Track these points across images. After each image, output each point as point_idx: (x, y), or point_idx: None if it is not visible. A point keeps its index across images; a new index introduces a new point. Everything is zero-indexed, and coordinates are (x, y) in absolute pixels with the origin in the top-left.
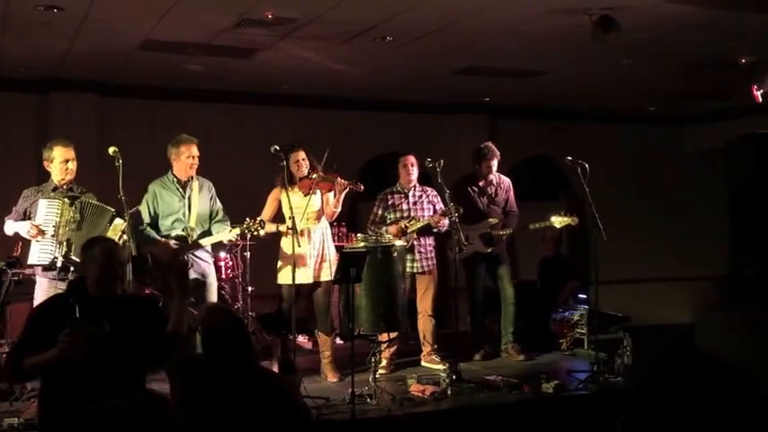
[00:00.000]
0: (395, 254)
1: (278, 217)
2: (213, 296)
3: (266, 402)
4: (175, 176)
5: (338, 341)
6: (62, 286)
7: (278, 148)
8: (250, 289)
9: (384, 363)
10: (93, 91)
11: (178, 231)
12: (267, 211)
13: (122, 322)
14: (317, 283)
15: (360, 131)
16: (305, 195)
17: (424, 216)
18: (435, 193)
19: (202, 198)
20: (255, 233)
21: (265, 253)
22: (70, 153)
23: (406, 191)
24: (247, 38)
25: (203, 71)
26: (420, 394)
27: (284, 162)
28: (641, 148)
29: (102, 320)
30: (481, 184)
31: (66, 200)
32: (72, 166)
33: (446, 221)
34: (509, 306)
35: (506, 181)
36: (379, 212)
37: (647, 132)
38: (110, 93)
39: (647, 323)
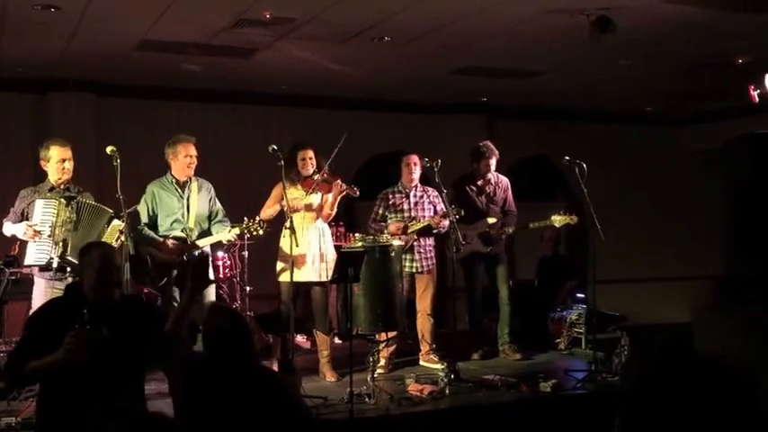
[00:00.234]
0: (392, 253)
1: (279, 213)
2: (211, 296)
3: (267, 402)
4: (174, 177)
5: (336, 341)
6: (59, 286)
7: (276, 147)
8: (248, 289)
9: (382, 362)
10: (90, 91)
11: (177, 232)
12: (269, 203)
13: (120, 326)
14: (314, 283)
15: (358, 131)
16: (306, 194)
17: (424, 216)
18: (436, 193)
19: (201, 199)
20: (254, 233)
21: (263, 253)
22: (67, 153)
23: (407, 190)
24: (245, 38)
25: (201, 71)
26: (418, 394)
27: (282, 162)
28: (639, 149)
29: (100, 324)
30: (479, 183)
31: (62, 200)
32: (69, 165)
33: (446, 222)
34: (504, 307)
35: (504, 180)
36: (380, 211)
37: (644, 132)
38: (108, 92)
39: (644, 323)
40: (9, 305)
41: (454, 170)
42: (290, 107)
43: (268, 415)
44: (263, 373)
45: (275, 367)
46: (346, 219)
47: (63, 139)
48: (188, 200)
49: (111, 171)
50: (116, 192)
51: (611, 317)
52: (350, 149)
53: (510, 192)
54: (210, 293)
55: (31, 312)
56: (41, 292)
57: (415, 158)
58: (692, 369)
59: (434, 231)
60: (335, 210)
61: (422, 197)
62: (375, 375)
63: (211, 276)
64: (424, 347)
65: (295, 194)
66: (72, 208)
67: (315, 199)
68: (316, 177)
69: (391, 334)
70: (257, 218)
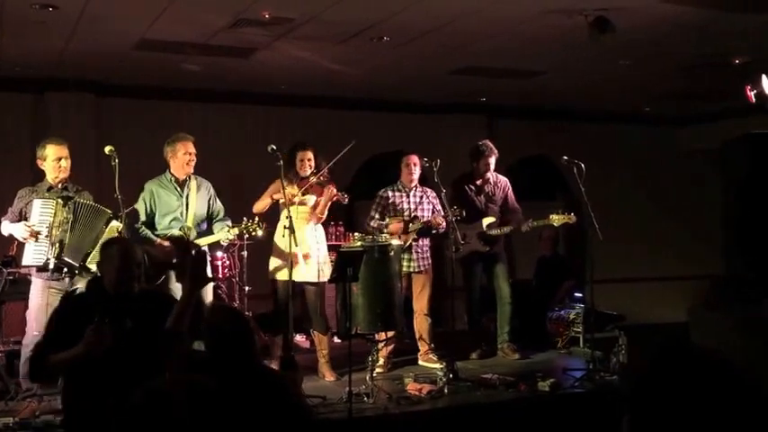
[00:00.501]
0: (391, 253)
1: (271, 208)
2: (209, 295)
3: (268, 401)
4: (173, 175)
5: (336, 340)
6: (56, 286)
7: (275, 147)
8: (247, 288)
9: (381, 362)
10: (89, 90)
11: (175, 231)
12: (264, 196)
13: (140, 319)
14: (308, 283)
15: (358, 131)
16: (302, 194)
17: (424, 216)
18: (434, 194)
19: (200, 198)
20: (253, 233)
21: (262, 252)
22: (63, 151)
23: (407, 190)
24: (245, 37)
25: (201, 71)
26: (417, 393)
27: (281, 162)
28: (638, 148)
29: (123, 317)
30: (479, 182)
31: (59, 200)
32: (65, 164)
33: (444, 223)
34: (505, 305)
35: (503, 180)
36: (380, 210)
37: (643, 132)
38: (106, 92)
39: (642, 322)
40: (7, 305)
41: (453, 170)
42: (289, 107)
43: (269, 414)
44: (264, 372)
45: (275, 366)
46: (346, 218)
47: (59, 137)
48: (187, 198)
49: (110, 171)
50: (115, 191)
51: (610, 316)
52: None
53: (510, 190)
54: (208, 293)
55: (28, 310)
56: (38, 292)
57: (415, 159)
58: (696, 367)
59: (434, 232)
60: (326, 214)
61: (421, 197)
62: (374, 375)
63: (210, 275)
64: (423, 347)
65: (291, 193)
66: (69, 208)
67: (309, 199)
68: (312, 179)
69: (390, 333)
70: (256, 218)
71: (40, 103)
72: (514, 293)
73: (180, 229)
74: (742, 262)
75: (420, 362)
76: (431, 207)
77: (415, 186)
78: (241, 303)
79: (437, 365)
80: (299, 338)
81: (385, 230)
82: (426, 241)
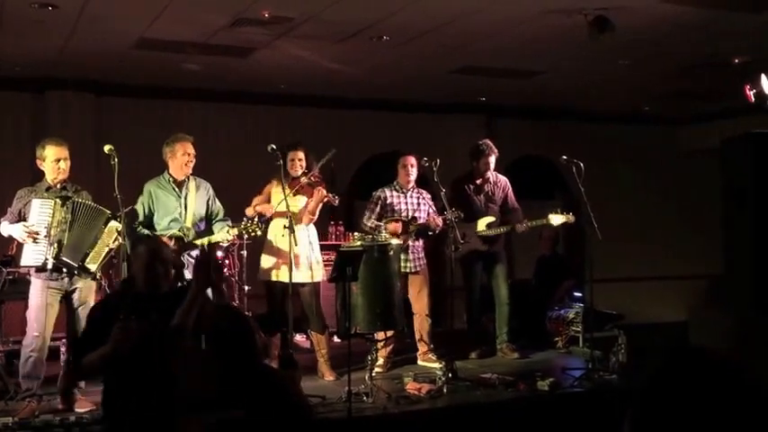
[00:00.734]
0: (391, 252)
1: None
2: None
3: (268, 401)
4: (171, 176)
5: (335, 339)
6: (55, 286)
7: (274, 147)
8: (247, 288)
9: (381, 361)
10: (89, 90)
11: (174, 231)
12: (257, 199)
13: (170, 316)
14: (303, 283)
15: (357, 131)
16: (293, 195)
17: (421, 218)
18: (430, 196)
19: (199, 198)
20: (253, 233)
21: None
22: (63, 152)
23: (404, 191)
24: (244, 37)
25: (200, 70)
26: (416, 392)
27: (281, 161)
28: (637, 148)
29: (151, 315)
30: (478, 182)
31: (57, 200)
32: (64, 165)
33: (440, 222)
34: (503, 306)
35: (503, 180)
36: (377, 209)
37: (642, 132)
38: (106, 92)
39: (641, 321)
40: (6, 305)
41: (453, 170)
42: (289, 106)
43: (269, 413)
44: (264, 371)
45: (275, 364)
46: (345, 218)
47: (59, 138)
48: (185, 199)
49: (110, 170)
50: (114, 191)
51: (609, 315)
52: (349, 149)
53: (510, 190)
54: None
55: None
56: (37, 292)
57: (412, 160)
58: (705, 368)
59: (430, 233)
60: (317, 216)
61: (418, 198)
62: (373, 374)
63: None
64: (423, 348)
65: (282, 194)
66: (67, 208)
67: (300, 201)
68: (302, 180)
69: (390, 333)
70: (256, 219)
71: (40, 103)
72: (514, 293)
73: (179, 230)
74: (741, 262)
75: (419, 361)
76: (426, 208)
77: (412, 187)
78: (241, 303)
79: (436, 365)
80: (300, 338)
81: (383, 231)
82: (420, 242)
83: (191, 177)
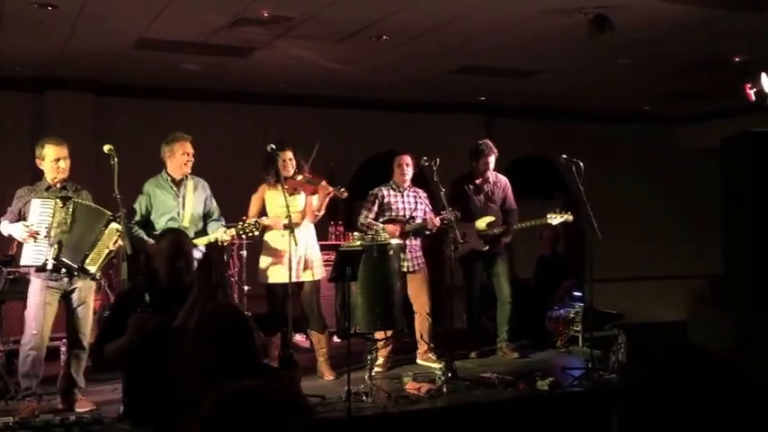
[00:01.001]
0: (391, 252)
1: (261, 215)
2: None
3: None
4: (169, 175)
5: (335, 339)
6: (54, 285)
7: (274, 146)
8: (246, 288)
9: (381, 361)
10: (88, 90)
11: None
12: (252, 210)
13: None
14: (300, 284)
15: (357, 130)
16: (289, 195)
17: (418, 217)
18: (426, 195)
19: (197, 197)
20: (250, 233)
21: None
22: (62, 152)
23: (401, 190)
24: (244, 37)
25: (200, 70)
26: (416, 392)
27: (279, 162)
28: (637, 147)
29: (172, 308)
30: (478, 182)
31: (58, 200)
32: (64, 165)
33: (437, 222)
34: (505, 305)
35: (503, 179)
36: (374, 209)
37: (642, 131)
38: (106, 91)
39: (641, 321)
40: (7, 304)
41: (453, 169)
42: (288, 106)
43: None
44: (264, 370)
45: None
46: (345, 218)
47: (59, 137)
48: (183, 198)
49: (109, 170)
50: (114, 191)
51: (609, 315)
52: (349, 149)
53: (509, 190)
54: None
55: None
56: (36, 291)
57: (407, 159)
58: (694, 366)
59: (427, 232)
60: (324, 211)
61: (415, 197)
62: (373, 374)
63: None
64: (422, 347)
65: (277, 197)
66: (67, 209)
67: (299, 201)
68: (298, 179)
69: (390, 333)
70: (254, 219)
71: (40, 103)
72: (514, 293)
73: None
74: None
75: (419, 361)
76: (423, 207)
77: (409, 186)
78: (240, 303)
79: (436, 364)
80: (299, 338)
81: (382, 231)
82: (417, 241)
83: (188, 176)
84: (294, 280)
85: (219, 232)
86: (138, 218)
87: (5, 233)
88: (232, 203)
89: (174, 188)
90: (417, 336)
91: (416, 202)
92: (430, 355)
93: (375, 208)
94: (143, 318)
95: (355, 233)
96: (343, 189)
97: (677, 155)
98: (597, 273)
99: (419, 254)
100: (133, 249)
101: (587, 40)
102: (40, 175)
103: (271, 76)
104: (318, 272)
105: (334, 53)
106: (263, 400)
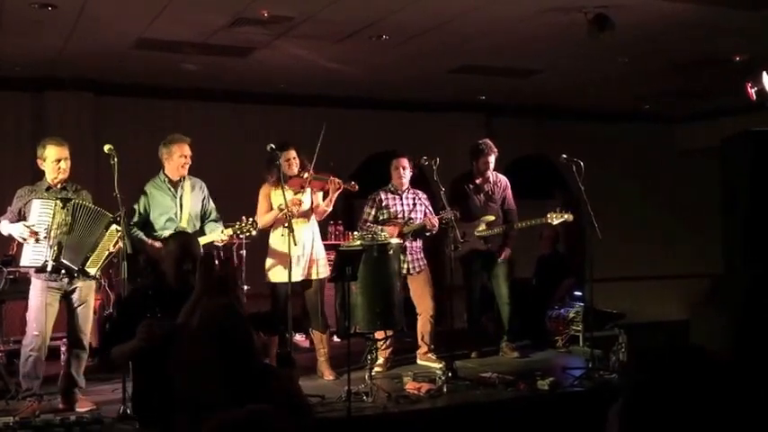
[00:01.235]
0: (391, 252)
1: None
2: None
3: (268, 400)
4: (167, 176)
5: (335, 339)
6: (55, 286)
7: (274, 146)
8: (246, 288)
9: (381, 360)
10: (88, 90)
11: (170, 231)
12: (263, 207)
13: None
14: (306, 282)
15: (357, 130)
16: (295, 194)
17: (417, 218)
18: (426, 196)
19: (194, 198)
20: (248, 233)
21: (261, 252)
22: (63, 152)
23: (399, 192)
24: (243, 37)
25: (199, 70)
26: (416, 392)
27: (279, 161)
28: (637, 146)
29: (179, 311)
30: (478, 181)
31: (58, 201)
32: (65, 165)
33: (436, 222)
34: (504, 306)
35: (503, 179)
36: (373, 212)
37: (642, 130)
38: (105, 91)
39: (642, 320)
40: (7, 304)
41: (452, 169)
42: (288, 106)
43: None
44: (263, 369)
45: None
46: (345, 217)
47: (60, 138)
48: (181, 199)
49: (109, 170)
50: (114, 191)
51: (609, 314)
52: (349, 148)
53: (509, 190)
54: None
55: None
56: (37, 291)
57: (404, 162)
58: (692, 367)
59: (427, 233)
60: (332, 207)
61: (414, 199)
62: (373, 374)
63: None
64: (423, 348)
65: (280, 197)
66: (68, 210)
67: (306, 198)
68: (305, 176)
69: (390, 333)
70: (251, 218)
71: (39, 103)
72: (514, 292)
73: (175, 230)
74: (742, 260)
75: (419, 361)
76: (423, 209)
77: (407, 188)
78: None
79: (436, 364)
80: (299, 338)
81: (381, 232)
82: (418, 243)
83: (186, 177)
84: (302, 278)
85: (217, 232)
86: (136, 218)
87: (5, 233)
88: (231, 203)
89: (172, 189)
90: (419, 337)
91: (415, 204)
92: (430, 355)
93: (373, 211)
94: (152, 324)
95: (355, 233)
96: (353, 182)
97: (677, 154)
98: (597, 272)
99: (420, 255)
100: (132, 249)
101: (587, 38)
102: (40, 174)
103: (270, 76)
104: (324, 270)
105: (333, 53)
106: (265, 428)
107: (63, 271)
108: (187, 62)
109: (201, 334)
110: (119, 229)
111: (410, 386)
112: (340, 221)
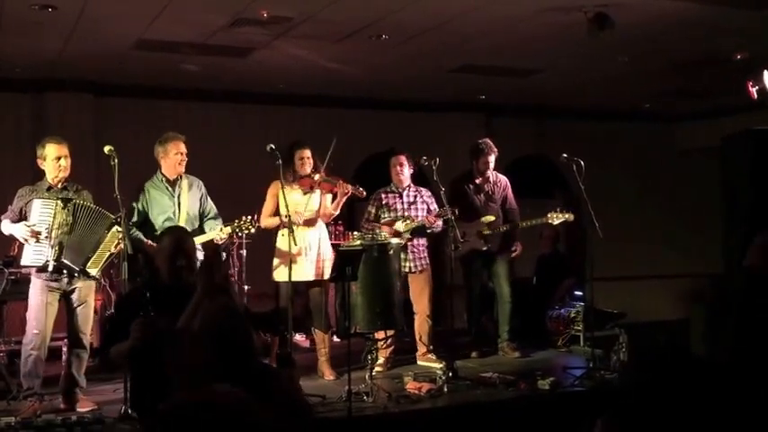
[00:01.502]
0: (391, 252)
1: (278, 212)
2: None
3: (267, 399)
4: (164, 175)
5: (335, 339)
6: (54, 286)
7: (273, 147)
8: (246, 288)
9: (381, 360)
10: (88, 91)
11: None
12: (268, 207)
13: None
14: (313, 282)
15: (357, 130)
16: (304, 194)
17: (418, 216)
18: (429, 193)
19: (192, 196)
20: (247, 231)
21: (262, 251)
22: (63, 150)
23: (400, 190)
24: (243, 37)
25: (199, 71)
26: (416, 392)
27: (279, 161)
28: (637, 146)
29: (175, 310)
30: (478, 181)
31: (59, 202)
32: (65, 162)
33: (440, 222)
34: (505, 305)
35: (503, 179)
36: (373, 211)
37: (642, 129)
38: (105, 92)
39: (642, 320)
40: (8, 305)
41: (453, 168)
42: (288, 106)
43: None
44: (262, 369)
45: (273, 363)
46: (346, 218)
47: (59, 136)
48: (179, 198)
49: (110, 171)
50: (114, 191)
51: (610, 314)
52: (348, 148)
53: (510, 190)
54: None
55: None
56: (37, 291)
57: (402, 159)
58: (686, 370)
59: (428, 231)
60: (339, 210)
61: (415, 197)
62: (373, 374)
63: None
64: (422, 349)
65: (293, 195)
66: (68, 210)
67: (315, 199)
68: (316, 177)
69: (390, 333)
70: (249, 217)
71: (39, 104)
72: (514, 292)
73: None
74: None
75: (419, 361)
76: (425, 207)
77: (409, 186)
78: (240, 302)
79: (436, 364)
80: (299, 338)
81: (381, 231)
82: (422, 241)
83: (183, 176)
84: (313, 278)
85: (216, 230)
86: (136, 217)
87: (6, 232)
88: (231, 203)
89: (169, 188)
90: (417, 337)
91: (417, 202)
92: (430, 355)
93: (374, 210)
94: (145, 322)
95: (355, 233)
96: (361, 189)
97: (677, 154)
98: (598, 271)
99: (423, 255)
100: (132, 249)
101: (587, 38)
102: (40, 175)
103: (270, 77)
104: (329, 271)
105: (333, 53)
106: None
107: (64, 271)
108: (187, 63)
109: (202, 336)
110: (120, 230)
111: (411, 386)
112: (340, 222)
